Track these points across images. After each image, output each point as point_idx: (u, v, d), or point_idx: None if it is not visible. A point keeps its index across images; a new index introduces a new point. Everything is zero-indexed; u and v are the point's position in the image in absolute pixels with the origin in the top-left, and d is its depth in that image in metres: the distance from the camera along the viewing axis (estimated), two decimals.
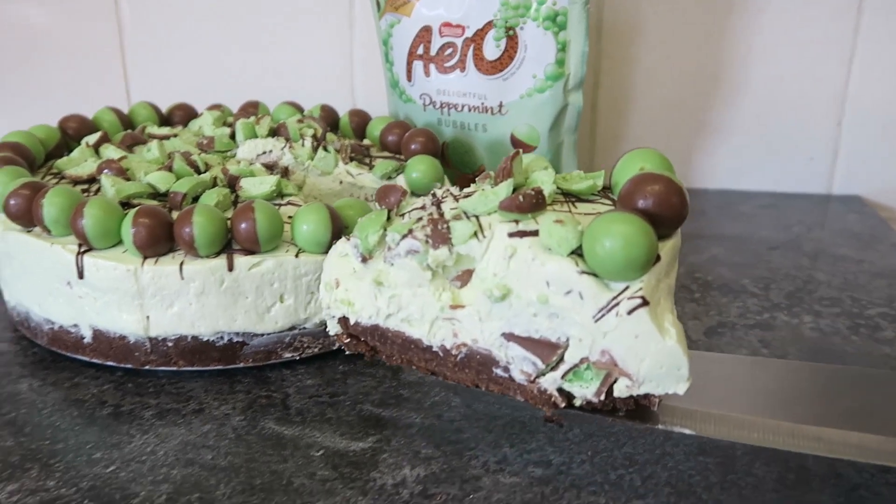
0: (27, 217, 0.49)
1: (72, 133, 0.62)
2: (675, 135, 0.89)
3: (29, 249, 0.48)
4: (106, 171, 0.52)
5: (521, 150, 0.39)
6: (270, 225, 0.46)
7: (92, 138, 0.59)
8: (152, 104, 0.69)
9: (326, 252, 0.48)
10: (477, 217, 0.36)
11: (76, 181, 0.54)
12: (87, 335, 0.49)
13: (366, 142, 0.66)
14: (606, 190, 0.40)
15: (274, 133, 0.63)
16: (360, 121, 0.70)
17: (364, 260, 0.39)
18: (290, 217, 0.50)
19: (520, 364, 0.37)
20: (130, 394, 0.47)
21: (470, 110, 0.70)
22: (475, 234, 0.36)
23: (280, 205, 0.52)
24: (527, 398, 0.37)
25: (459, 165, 0.73)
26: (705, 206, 0.86)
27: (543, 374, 0.36)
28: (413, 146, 0.63)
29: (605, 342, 0.34)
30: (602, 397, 0.36)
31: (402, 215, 0.39)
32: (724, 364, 0.43)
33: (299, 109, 0.71)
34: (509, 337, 0.36)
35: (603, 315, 0.34)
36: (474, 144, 0.72)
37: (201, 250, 0.46)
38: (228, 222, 0.47)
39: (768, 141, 0.88)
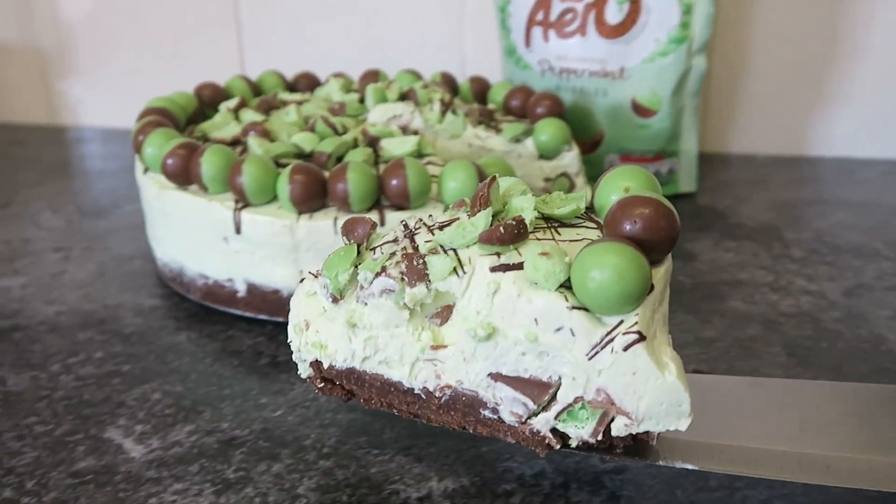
0: (184, 176, 0.51)
1: (206, 100, 0.65)
2: (791, 101, 0.86)
3: (186, 207, 0.51)
4: (251, 133, 0.54)
5: (497, 175, 0.36)
6: (420, 181, 0.47)
7: (231, 103, 0.61)
8: (278, 72, 0.70)
9: None
10: (455, 251, 0.34)
11: (221, 143, 0.56)
12: (241, 289, 0.51)
13: (490, 106, 0.66)
14: (590, 211, 0.37)
15: (403, 98, 0.64)
16: (481, 87, 0.70)
17: (335, 300, 0.36)
18: (432, 176, 0.51)
19: (509, 405, 0.34)
20: (284, 346, 0.49)
21: (590, 75, 0.70)
22: (454, 269, 0.33)
23: None
24: (518, 440, 0.35)
25: (578, 131, 0.73)
26: (823, 173, 0.83)
27: (535, 415, 0.34)
28: (539, 110, 0.63)
29: (601, 380, 0.32)
30: (599, 437, 0.34)
31: (373, 249, 0.36)
32: (723, 388, 0.39)
33: (419, 77, 0.72)
34: (497, 377, 0.34)
35: (597, 352, 0.32)
36: (593, 110, 0.71)
37: (354, 206, 0.47)
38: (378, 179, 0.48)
39: (888, 107, 0.86)
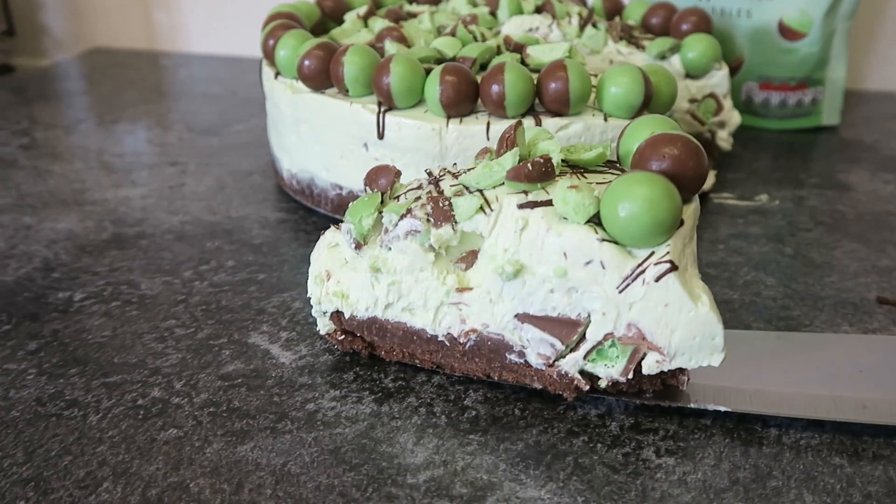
0: (321, 78, 0.48)
1: (328, 11, 0.61)
2: None
3: (324, 111, 0.47)
4: (388, 38, 0.51)
5: (521, 121, 0.34)
6: (582, 84, 0.44)
7: (361, 10, 0.58)
8: None
9: (635, 117, 0.45)
10: (481, 191, 0.33)
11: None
12: None
13: (630, 21, 0.62)
14: (612, 163, 0.35)
15: (538, 10, 0.60)
16: (614, 5, 0.66)
17: (358, 247, 0.35)
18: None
19: (536, 347, 0.33)
20: None
21: None
22: (481, 208, 0.32)
23: None
24: (545, 384, 0.34)
25: None
26: None
27: (563, 357, 0.33)
28: (685, 26, 0.58)
29: (632, 314, 0.31)
30: (630, 376, 0.32)
31: (397, 198, 0.35)
32: (749, 340, 0.37)
33: None
34: (524, 318, 0.33)
35: (627, 285, 0.30)
36: (734, 33, 0.66)
37: (510, 110, 0.44)
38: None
39: None
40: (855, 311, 0.41)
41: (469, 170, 0.35)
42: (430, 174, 0.36)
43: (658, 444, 0.32)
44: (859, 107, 0.75)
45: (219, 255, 0.47)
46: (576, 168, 0.34)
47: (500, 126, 0.44)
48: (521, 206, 0.32)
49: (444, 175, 0.35)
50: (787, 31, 0.64)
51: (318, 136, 0.49)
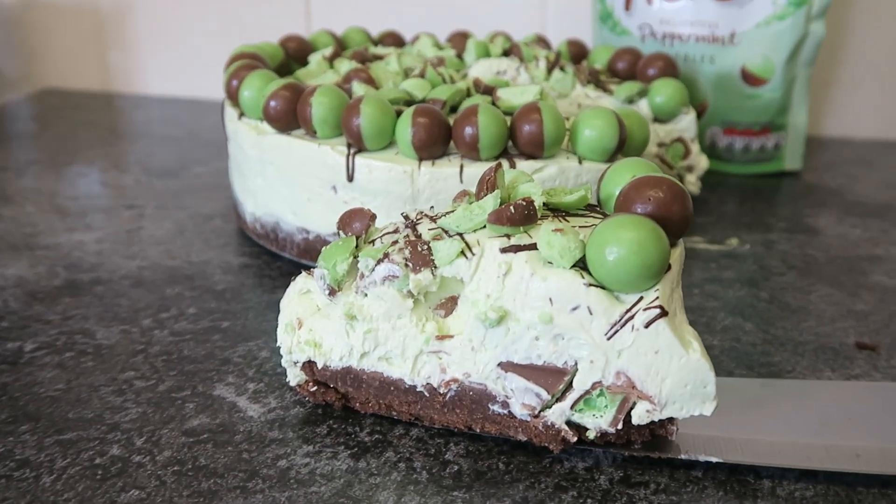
0: (287, 119, 0.46)
1: (291, 52, 0.60)
2: (890, 82, 0.81)
3: (292, 153, 0.46)
4: (355, 79, 0.50)
5: (501, 163, 0.34)
6: (556, 128, 0.43)
7: (326, 52, 0.57)
8: (363, 28, 0.66)
9: (609, 161, 0.44)
10: (461, 235, 0.31)
11: None
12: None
13: (596, 66, 0.62)
14: (593, 207, 0.34)
15: (506, 54, 0.60)
16: (579, 50, 0.66)
17: (332, 293, 0.33)
18: None
19: (521, 397, 0.32)
20: None
21: (697, 40, 0.65)
22: (462, 252, 0.31)
23: None
24: (530, 436, 0.32)
25: None
26: None
27: (549, 407, 0.31)
28: (651, 71, 0.58)
29: (620, 362, 0.30)
30: (619, 426, 0.31)
31: (372, 242, 0.34)
32: (734, 388, 0.36)
33: (510, 40, 0.68)
34: (507, 367, 0.31)
35: (616, 331, 0.29)
36: (698, 78, 0.67)
37: (483, 152, 0.43)
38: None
39: None
40: (836, 356, 0.40)
41: (447, 213, 0.33)
42: (406, 217, 0.35)
43: (650, 499, 0.30)
44: (819, 152, 0.76)
45: (179, 302, 0.45)
46: (556, 211, 0.33)
47: (473, 169, 0.43)
48: (503, 250, 0.31)
49: (422, 219, 0.34)
50: (749, 77, 0.65)
51: (284, 179, 0.47)
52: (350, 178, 0.44)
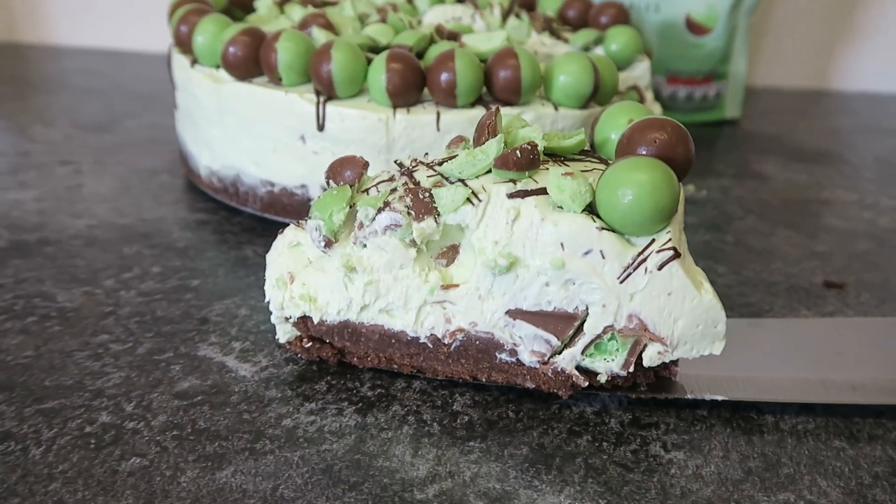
0: (247, 66, 0.44)
1: None
2: (818, 33, 0.84)
3: (255, 102, 0.44)
4: (314, 25, 0.48)
5: (499, 107, 0.33)
6: (533, 73, 0.42)
7: None
8: None
9: (584, 107, 0.44)
10: (463, 181, 0.31)
11: None
12: (317, 196, 0.45)
13: (548, 13, 0.61)
14: (587, 152, 0.34)
15: (460, 0, 0.58)
16: None
17: (328, 244, 0.32)
18: None
19: (530, 344, 0.31)
20: None
21: None
22: (468, 199, 0.30)
23: None
24: (539, 383, 0.32)
25: None
26: (856, 106, 0.82)
27: (559, 353, 0.31)
28: (603, 19, 0.58)
29: (633, 305, 0.30)
30: (630, 369, 0.31)
31: (366, 191, 0.32)
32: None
33: None
34: (516, 314, 0.31)
35: (629, 274, 0.29)
36: (642, 27, 0.67)
37: (461, 99, 0.42)
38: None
39: None
40: (808, 295, 0.42)
41: (445, 159, 0.32)
42: (400, 165, 0.33)
43: (663, 439, 0.31)
44: (755, 102, 0.78)
45: (140, 262, 0.42)
46: (554, 156, 0.33)
47: (450, 116, 0.42)
48: (511, 196, 0.30)
49: (417, 166, 0.33)
50: (693, 26, 0.66)
51: (246, 129, 0.45)
52: (321, 128, 0.42)
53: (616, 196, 0.28)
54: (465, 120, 0.42)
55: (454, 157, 0.33)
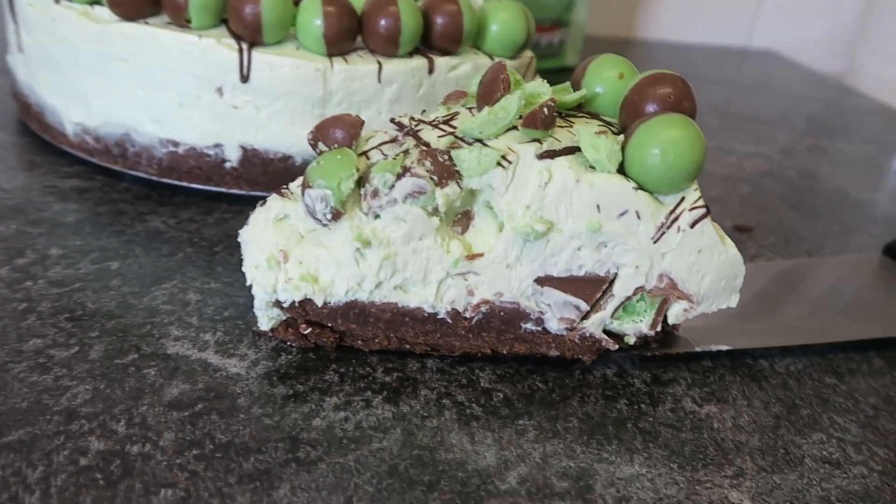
0: (138, 3, 0.37)
1: None
2: None
3: (157, 47, 0.37)
4: None
5: (503, 60, 0.31)
6: (472, 19, 0.39)
7: None
8: None
9: (515, 57, 0.43)
10: (481, 141, 0.28)
11: None
12: (234, 157, 0.39)
13: None
14: (578, 107, 0.32)
15: None
16: None
17: (336, 216, 0.28)
18: None
19: (559, 311, 0.30)
20: None
21: None
22: (498, 162, 0.28)
23: None
24: (563, 351, 0.31)
25: None
26: (661, 54, 0.87)
27: (586, 318, 0.30)
28: None
29: (664, 264, 0.29)
30: (658, 328, 0.31)
31: (365, 154, 0.29)
32: None
33: None
34: (545, 281, 0.30)
35: (662, 233, 0.29)
36: None
37: (403, 47, 0.38)
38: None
39: None
40: None
41: (449, 116, 0.30)
42: (399, 125, 0.30)
43: (689, 394, 0.31)
44: (591, 51, 0.80)
45: (29, 243, 0.35)
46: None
47: (392, 66, 0.38)
48: (540, 157, 0.28)
49: (420, 125, 0.30)
50: None
51: (142, 80, 0.38)
52: (245, 79, 0.37)
53: (653, 154, 0.27)
54: (407, 71, 0.39)
55: (455, 114, 0.30)
